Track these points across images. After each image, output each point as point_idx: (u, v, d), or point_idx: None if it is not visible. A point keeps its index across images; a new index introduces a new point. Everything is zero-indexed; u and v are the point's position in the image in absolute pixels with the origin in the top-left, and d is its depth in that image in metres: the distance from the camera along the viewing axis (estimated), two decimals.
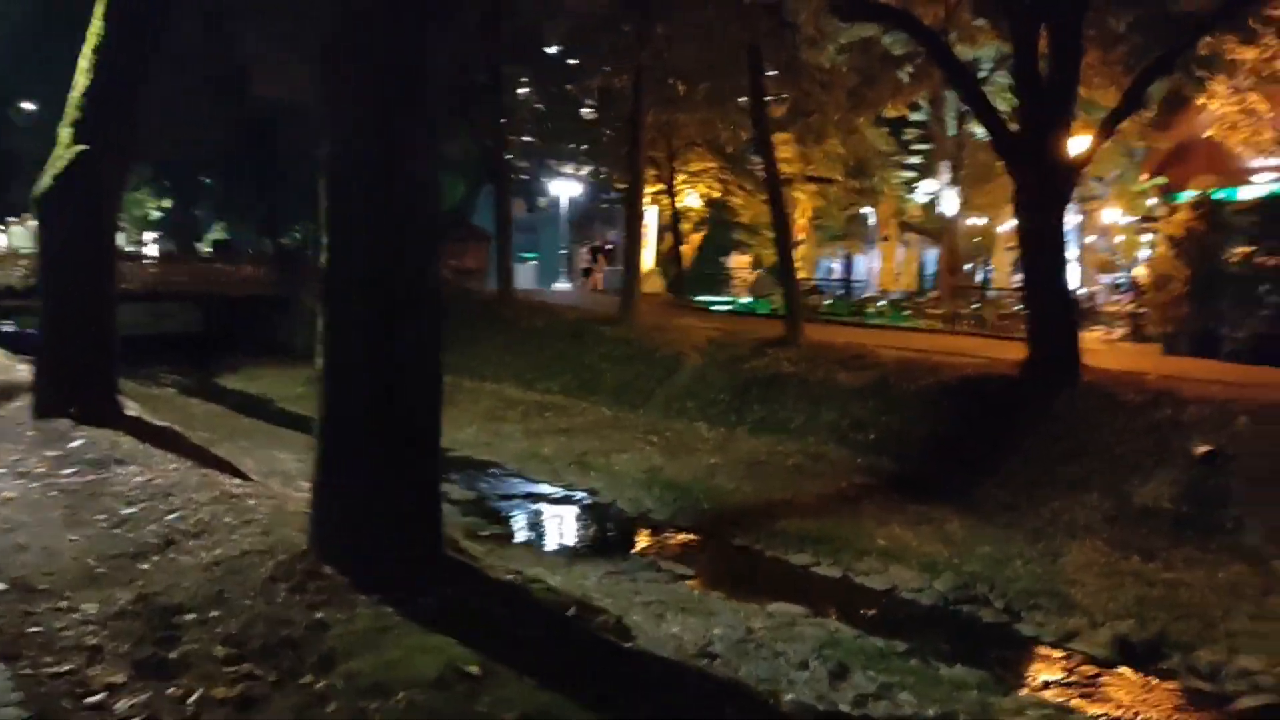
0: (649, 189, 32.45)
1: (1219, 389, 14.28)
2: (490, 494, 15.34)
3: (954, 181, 30.50)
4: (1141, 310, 23.56)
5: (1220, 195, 18.62)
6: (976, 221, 32.29)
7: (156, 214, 53.12)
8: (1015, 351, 19.52)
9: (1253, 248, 17.80)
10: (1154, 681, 8.91)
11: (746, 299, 32.84)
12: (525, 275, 46.19)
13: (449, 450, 18.14)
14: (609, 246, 51.92)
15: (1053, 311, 15.59)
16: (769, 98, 20.34)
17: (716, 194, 31.60)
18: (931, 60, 17.05)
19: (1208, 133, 19.73)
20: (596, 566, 11.29)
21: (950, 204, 30.71)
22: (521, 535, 13.32)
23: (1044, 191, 15.28)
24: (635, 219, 24.47)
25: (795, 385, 18.25)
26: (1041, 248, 15.51)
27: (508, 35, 26.21)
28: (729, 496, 14.58)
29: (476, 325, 27.45)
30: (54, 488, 6.45)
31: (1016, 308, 26.61)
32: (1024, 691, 8.65)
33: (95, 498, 6.16)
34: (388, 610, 4.44)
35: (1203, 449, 12.68)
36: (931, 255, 39.62)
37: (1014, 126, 15.95)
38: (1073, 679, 8.95)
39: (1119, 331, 23.88)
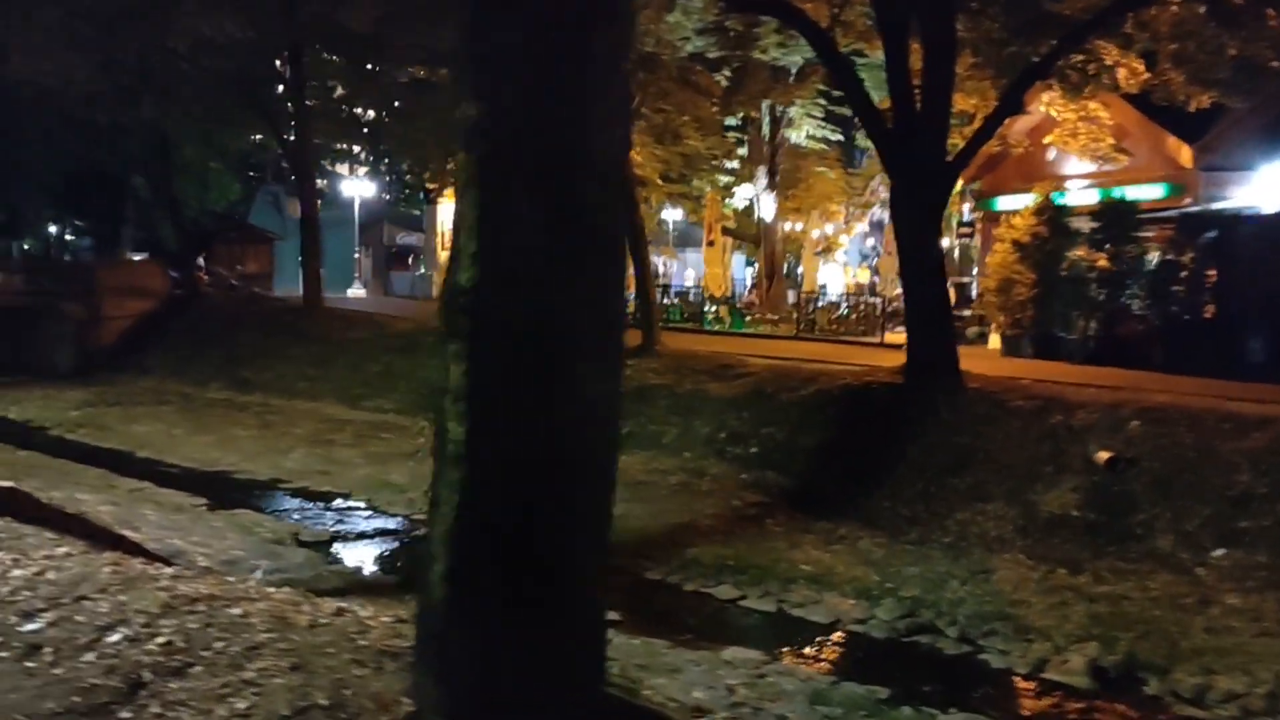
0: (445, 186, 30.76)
1: (1096, 393, 14.45)
2: (349, 532, 13.51)
3: (770, 186, 30.60)
4: (975, 314, 24.22)
5: (1060, 201, 19.20)
6: (793, 226, 32.56)
7: None
8: (872, 357, 19.51)
9: (1092, 251, 18.43)
10: (1149, 713, 8.50)
11: None
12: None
13: (282, 481, 16.19)
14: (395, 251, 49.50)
15: (932, 316, 15.38)
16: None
17: None
18: (818, 55, 16.51)
19: (1047, 139, 20.31)
20: None
21: (768, 208, 30.80)
22: (406, 581, 11.67)
23: (922, 194, 15.05)
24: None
25: (664, 397, 17.33)
26: (919, 252, 15.27)
27: (307, 15, 23.93)
28: (622, 523, 13.21)
29: (281, 336, 25.10)
30: None
31: (841, 313, 26.97)
32: None
33: None
34: None
35: (1105, 455, 12.65)
36: (738, 259, 39.89)
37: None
38: (1071, 716, 8.42)
39: None
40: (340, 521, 13.97)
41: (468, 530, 3.23)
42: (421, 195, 35.77)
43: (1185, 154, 20.64)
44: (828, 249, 37.15)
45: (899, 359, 18.57)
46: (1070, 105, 17.66)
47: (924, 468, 13.78)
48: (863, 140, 31.60)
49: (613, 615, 10.26)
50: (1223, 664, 8.89)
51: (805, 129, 29.20)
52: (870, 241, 42.45)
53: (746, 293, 36.07)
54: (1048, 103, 18.33)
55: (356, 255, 41.04)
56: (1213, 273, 17.65)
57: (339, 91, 28.33)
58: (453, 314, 3.27)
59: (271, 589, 5.25)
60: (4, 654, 3.84)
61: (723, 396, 16.80)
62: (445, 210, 34.46)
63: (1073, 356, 18.77)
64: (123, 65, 25.66)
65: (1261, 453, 11.81)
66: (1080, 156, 19.69)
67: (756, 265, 33.72)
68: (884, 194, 39.20)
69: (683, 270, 43.05)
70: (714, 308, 28.14)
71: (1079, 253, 18.52)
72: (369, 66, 26.06)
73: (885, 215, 39.89)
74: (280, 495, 15.41)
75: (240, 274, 35.99)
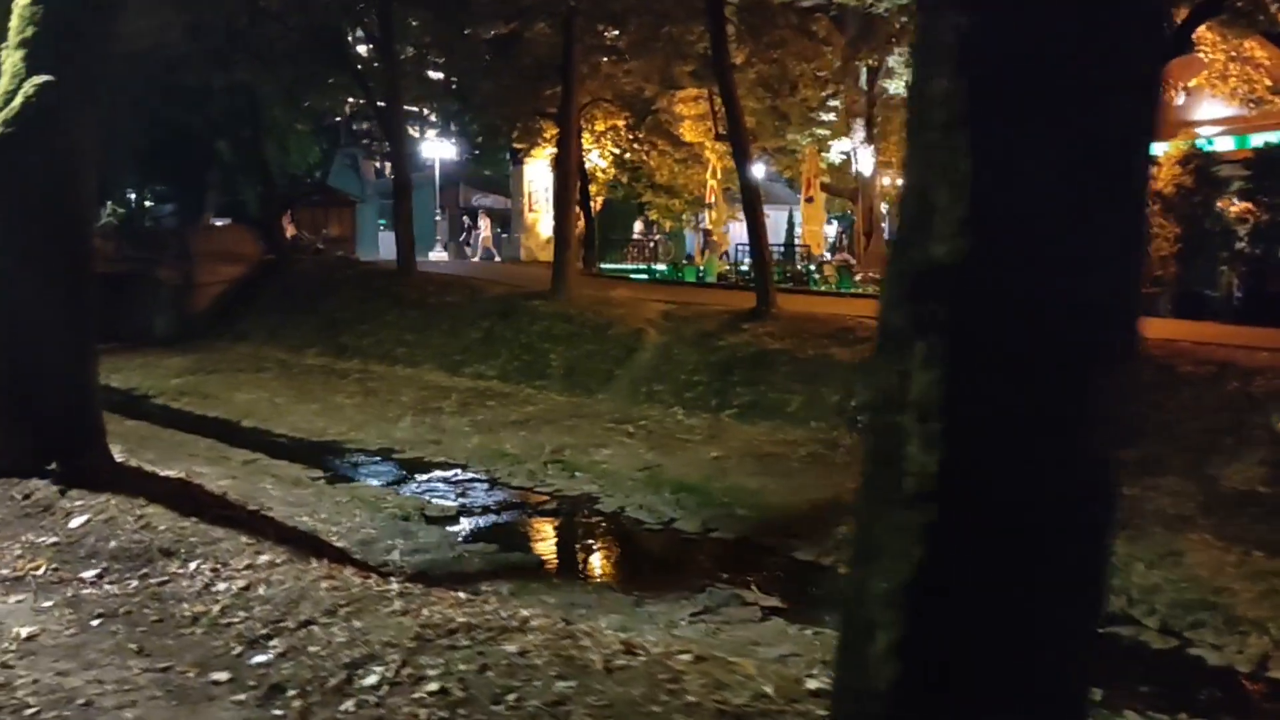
0: (544, 150, 30.05)
1: (1270, 357, 13.34)
2: (473, 506, 12.95)
3: (868, 139, 29.37)
4: None
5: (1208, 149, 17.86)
6: (891, 181, 31.30)
7: None
8: None
9: (1243, 201, 17.13)
10: None
11: (661, 266, 30.97)
12: (389, 244, 42.77)
13: (394, 451, 15.72)
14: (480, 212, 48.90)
15: None
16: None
17: (626, 153, 29.39)
18: None
19: (1193, 81, 18.93)
20: (671, 606, 9.21)
21: (866, 162, 29.59)
22: (550, 561, 11.08)
23: None
24: (567, 181, 22.03)
25: (785, 363, 16.50)
26: None
27: None
28: (758, 498, 12.69)
29: (377, 301, 24.70)
30: (92, 611, 3.97)
31: None
32: None
33: (176, 631, 3.74)
34: None
35: None
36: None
37: None
38: None
39: None
40: (462, 495, 13.42)
41: (932, 595, 2.42)
42: (507, 156, 35.00)
43: None
44: None
45: None
46: (1222, 45, 16.31)
47: None
48: None
49: (776, 603, 9.66)
50: None
51: (906, 78, 27.76)
52: None
53: (833, 251, 34.93)
54: (1196, 41, 16.96)
55: (437, 218, 40.58)
56: None
57: (424, 50, 27.62)
58: (920, 302, 2.42)
59: (526, 611, 4.56)
60: (240, 695, 3.21)
61: (849, 362, 15.91)
62: (532, 170, 33.80)
63: (1219, 315, 17.56)
64: (211, 26, 25.23)
65: None
66: (1228, 100, 18.28)
67: (851, 222, 32.53)
68: None
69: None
70: (813, 267, 27.11)
71: (1228, 204, 17.21)
72: (455, 24, 25.27)
73: None
74: (396, 466, 14.94)
75: (325, 238, 35.72)
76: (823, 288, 25.03)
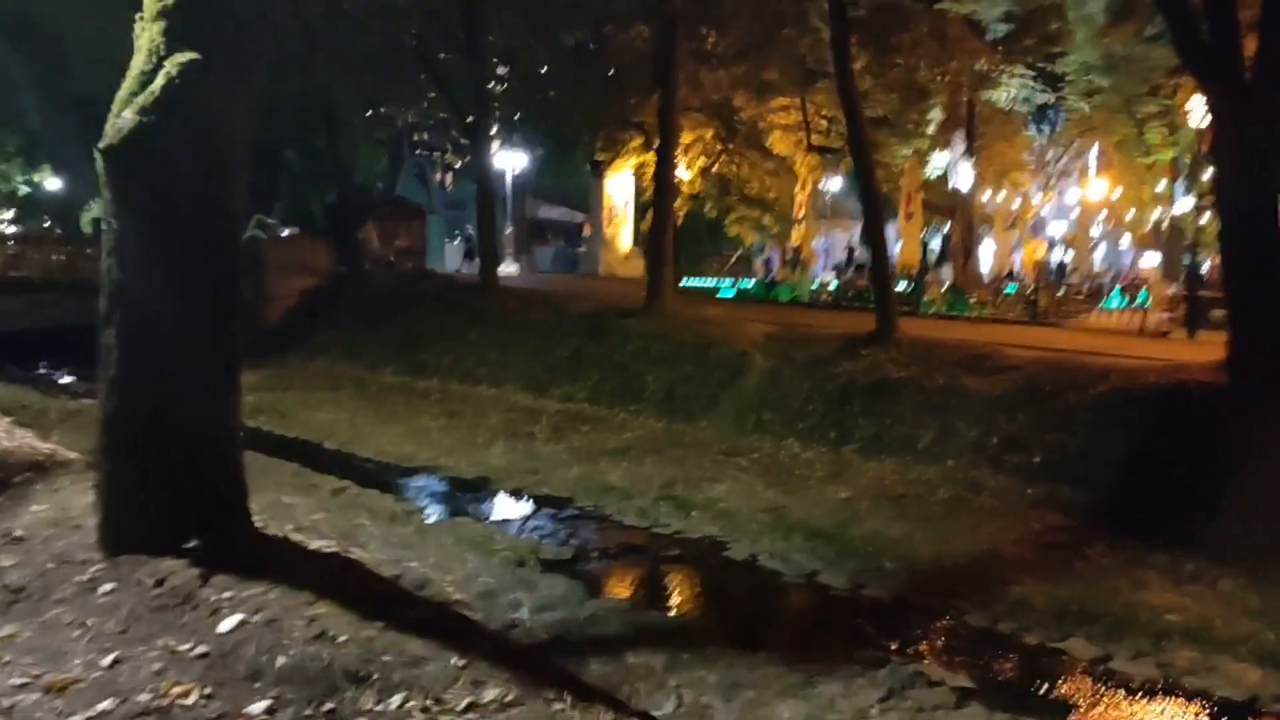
0: (631, 159, 28.97)
1: None
2: (588, 548, 11.72)
3: (969, 152, 27.95)
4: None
5: None
6: (992, 196, 29.83)
7: (24, 189, 46.84)
8: (1144, 348, 17.07)
9: None
10: None
11: (746, 282, 29.70)
12: (454, 256, 41.86)
13: (490, 481, 14.60)
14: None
15: (1264, 303, 12.78)
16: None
17: (716, 165, 28.14)
18: None
19: None
20: (848, 686, 7.89)
21: (965, 177, 28.17)
22: (691, 622, 9.80)
23: (1257, 143, 12.42)
24: (666, 193, 20.79)
25: (911, 393, 15.14)
26: (1254, 225, 12.67)
27: None
28: (905, 549, 11.34)
29: (455, 316, 23.69)
30: None
31: (1061, 292, 24.30)
32: None
33: None
34: None
35: None
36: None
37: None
38: None
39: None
40: (573, 534, 12.22)
41: None
42: (587, 167, 33.90)
43: None
44: (1014, 224, 34.22)
45: (1174, 351, 16.20)
46: None
47: (1266, 485, 11.34)
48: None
49: (963, 682, 8.33)
50: None
51: (1009, 89, 26.31)
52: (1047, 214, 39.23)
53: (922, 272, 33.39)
54: None
55: (509, 230, 39.62)
56: None
57: (510, 57, 26.56)
58: None
59: None
60: None
61: (986, 394, 14.53)
62: (613, 183, 32.71)
63: None
64: (288, 31, 24.42)
65: None
66: None
67: (945, 239, 31.05)
68: (1075, 164, 36.04)
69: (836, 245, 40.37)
70: (915, 287, 25.64)
71: None
72: (543, 29, 24.19)
73: (1078, 190, 36.78)
74: (496, 499, 13.81)
75: (396, 249, 34.89)
76: (931, 310, 23.56)
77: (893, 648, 9.00)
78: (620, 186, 32.08)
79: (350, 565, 5.48)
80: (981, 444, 13.90)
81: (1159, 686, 8.41)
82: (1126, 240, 43.08)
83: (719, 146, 27.22)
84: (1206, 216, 27.21)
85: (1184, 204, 32.47)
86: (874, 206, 17.16)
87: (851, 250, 34.73)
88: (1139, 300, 28.33)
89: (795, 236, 29.26)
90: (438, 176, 53.18)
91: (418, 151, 51.75)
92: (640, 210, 30.99)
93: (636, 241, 31.70)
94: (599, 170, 31.57)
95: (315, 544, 6.17)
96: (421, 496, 13.74)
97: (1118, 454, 12.67)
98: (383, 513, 12.25)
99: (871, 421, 15.12)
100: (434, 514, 12.68)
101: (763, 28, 18.63)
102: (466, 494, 13.98)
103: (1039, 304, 22.89)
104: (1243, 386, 12.56)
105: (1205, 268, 24.97)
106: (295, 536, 8.03)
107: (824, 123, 27.30)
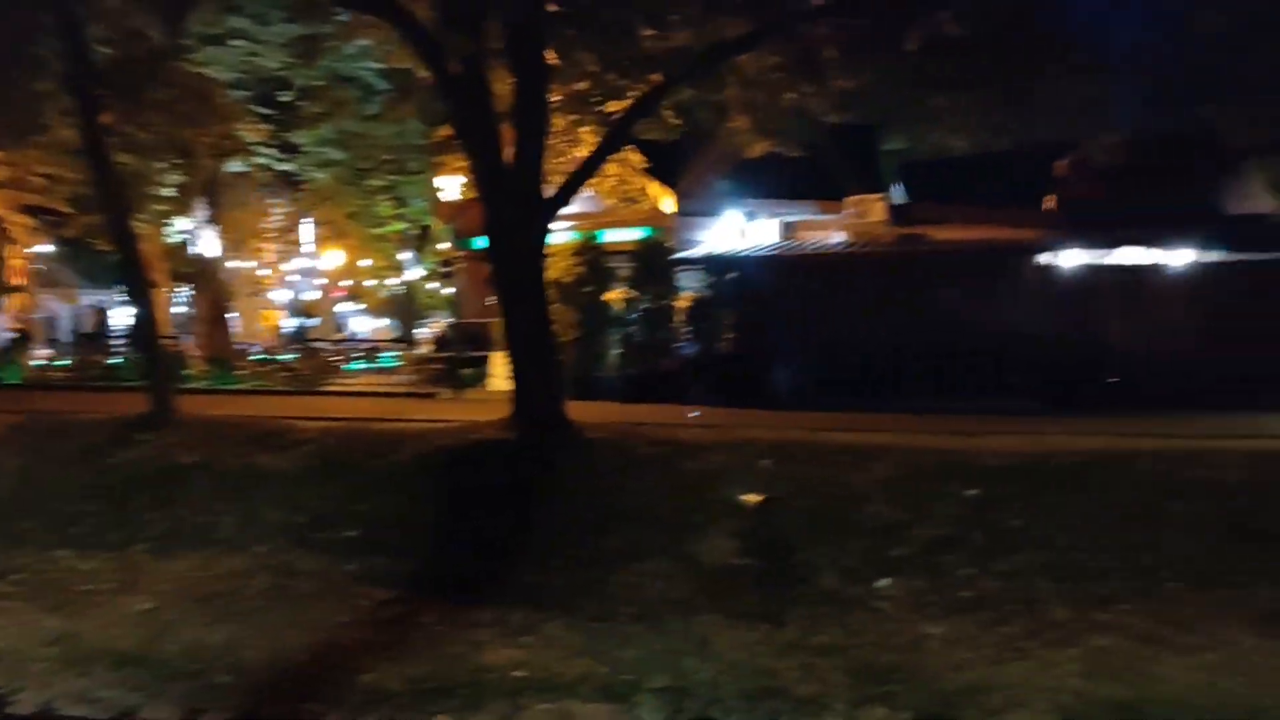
0: None
1: (702, 433, 14.44)
2: None
3: (213, 219, 26.91)
4: (464, 355, 23.31)
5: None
6: (243, 264, 28.94)
7: None
8: (431, 410, 17.84)
9: (630, 290, 18.62)
10: None
11: None
12: None
13: None
14: None
15: (537, 362, 14.18)
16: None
17: None
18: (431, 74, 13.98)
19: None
20: None
21: (210, 244, 27.00)
22: None
23: (525, 232, 13.85)
24: None
25: (204, 479, 13.85)
26: (522, 293, 14.02)
27: None
28: (234, 656, 10.23)
29: None
30: None
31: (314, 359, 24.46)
32: None
33: None
34: None
35: (753, 498, 12.57)
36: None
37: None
38: None
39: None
40: None
41: None
42: None
43: (667, 199, 22.00)
44: (258, 291, 33.83)
45: (462, 412, 17.28)
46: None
47: (566, 531, 12.53)
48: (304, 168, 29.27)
49: None
50: (999, 699, 9.02)
51: (259, 156, 25.94)
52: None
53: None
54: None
55: None
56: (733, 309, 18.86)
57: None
58: None
59: None
60: None
61: (285, 471, 13.90)
62: None
63: (613, 396, 18.83)
64: None
65: (891, 481, 12.55)
66: (606, 198, 19.87)
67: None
68: (317, 232, 36.76)
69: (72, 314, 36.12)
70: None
71: (618, 293, 18.63)
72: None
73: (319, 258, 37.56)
74: None
75: None
76: (196, 384, 21.88)
77: None
78: None
79: None
80: (289, 525, 13.18)
81: None
82: (360, 306, 45.35)
83: None
84: (436, 284, 29.69)
85: (415, 272, 35.22)
86: (136, 273, 15.45)
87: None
88: (381, 362, 29.87)
89: (12, 306, 25.28)
90: None
91: None
92: None
93: None
94: None
95: None
96: None
97: (428, 518, 12.96)
98: None
99: (163, 515, 13.48)
100: None
101: None
102: None
103: (303, 372, 22.75)
104: (523, 439, 13.80)
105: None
106: None
107: (41, 180, 24.12)
